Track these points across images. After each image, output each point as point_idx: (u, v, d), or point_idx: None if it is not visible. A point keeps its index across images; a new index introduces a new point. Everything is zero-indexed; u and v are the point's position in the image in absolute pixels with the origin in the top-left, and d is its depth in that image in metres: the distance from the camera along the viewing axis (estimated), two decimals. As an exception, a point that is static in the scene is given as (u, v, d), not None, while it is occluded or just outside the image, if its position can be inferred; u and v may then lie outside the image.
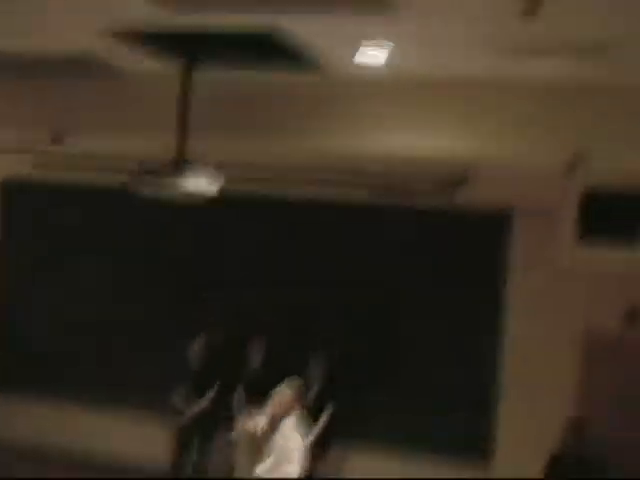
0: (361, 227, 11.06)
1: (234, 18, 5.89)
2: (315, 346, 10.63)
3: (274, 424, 7.79)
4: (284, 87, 7.58)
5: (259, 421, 9.92)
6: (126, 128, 8.22)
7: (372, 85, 7.30)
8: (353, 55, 6.64)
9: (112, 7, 5.89)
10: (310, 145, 7.78)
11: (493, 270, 10.54)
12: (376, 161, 8.61)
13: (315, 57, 6.80)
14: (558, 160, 7.18)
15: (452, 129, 7.21)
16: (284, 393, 7.80)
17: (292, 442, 7.63)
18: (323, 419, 10.32)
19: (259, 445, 9.37)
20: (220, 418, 10.64)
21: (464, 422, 10.50)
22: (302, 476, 7.63)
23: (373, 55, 6.58)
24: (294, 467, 7.53)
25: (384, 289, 11.04)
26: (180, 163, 6.94)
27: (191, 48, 6.90)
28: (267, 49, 6.58)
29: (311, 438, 10.22)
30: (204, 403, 10.67)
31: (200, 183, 6.74)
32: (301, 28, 6.00)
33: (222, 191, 7.13)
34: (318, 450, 10.35)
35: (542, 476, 9.19)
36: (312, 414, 10.29)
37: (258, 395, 10.36)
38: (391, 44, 6.27)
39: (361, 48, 6.46)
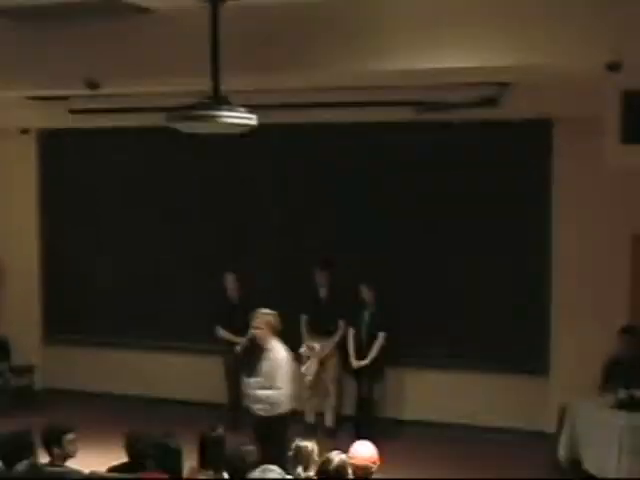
0: (407, 145, 11.05)
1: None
2: (366, 275, 10.77)
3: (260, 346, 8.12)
4: (320, 11, 7.59)
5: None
6: (159, 69, 8.24)
7: (409, 4, 7.33)
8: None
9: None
10: (354, 68, 7.80)
11: (539, 180, 10.56)
12: (418, 78, 8.65)
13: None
14: (596, 64, 7.16)
15: (490, 42, 7.20)
16: (266, 314, 8.10)
17: (280, 363, 7.96)
18: (377, 344, 10.55)
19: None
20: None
21: (521, 336, 10.69)
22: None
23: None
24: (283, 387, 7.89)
25: (432, 206, 11.09)
26: (216, 98, 7.05)
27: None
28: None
29: (367, 362, 10.61)
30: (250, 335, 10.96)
31: (238, 115, 6.84)
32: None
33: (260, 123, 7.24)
34: (375, 373, 10.72)
35: (599, 382, 9.46)
36: (367, 340, 10.65)
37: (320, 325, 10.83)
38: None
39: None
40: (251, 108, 7.03)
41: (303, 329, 10.90)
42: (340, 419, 10.86)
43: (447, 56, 7.25)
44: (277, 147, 11.43)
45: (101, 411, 11.43)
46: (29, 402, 11.81)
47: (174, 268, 12.11)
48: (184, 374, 11.83)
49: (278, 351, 8.04)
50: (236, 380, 10.72)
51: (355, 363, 10.66)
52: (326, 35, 7.55)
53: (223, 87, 7.08)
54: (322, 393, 10.94)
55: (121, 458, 6.69)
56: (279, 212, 11.65)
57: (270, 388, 7.97)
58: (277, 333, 8.14)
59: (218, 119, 6.77)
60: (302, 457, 6.14)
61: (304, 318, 10.91)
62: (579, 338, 10.10)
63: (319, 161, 11.48)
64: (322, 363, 10.79)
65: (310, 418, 10.96)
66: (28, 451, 6.09)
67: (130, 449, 6.54)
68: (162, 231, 12.23)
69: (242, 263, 11.40)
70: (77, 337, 12.67)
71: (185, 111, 6.96)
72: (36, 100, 11.39)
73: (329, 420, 10.89)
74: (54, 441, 6.31)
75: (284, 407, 8.07)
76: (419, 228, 11.16)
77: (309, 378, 10.72)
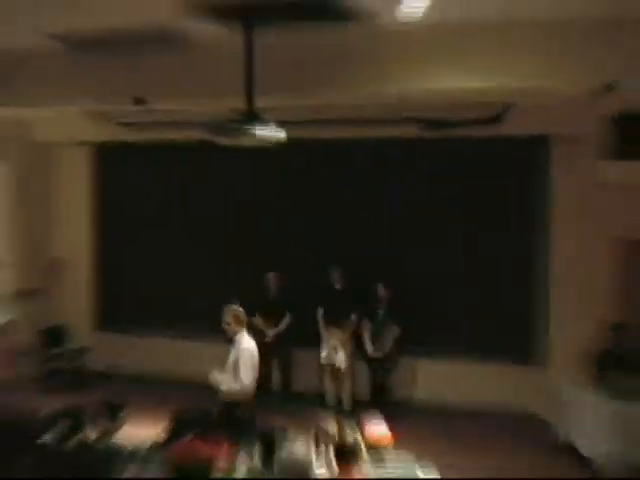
0: (416, 159, 11.07)
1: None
2: (380, 274, 10.76)
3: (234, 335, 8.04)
4: (336, 46, 7.61)
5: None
6: (197, 91, 8.33)
7: (417, 33, 7.31)
8: (397, 10, 6.68)
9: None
10: (365, 91, 7.82)
11: (538, 190, 10.53)
12: (428, 100, 8.68)
13: (364, 12, 6.87)
14: (588, 89, 7.15)
15: (491, 68, 7.21)
16: (234, 310, 8.04)
17: (242, 353, 7.89)
18: (390, 337, 10.55)
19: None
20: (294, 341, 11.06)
21: (522, 330, 10.72)
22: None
23: (415, 7, 6.63)
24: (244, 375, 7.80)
25: (438, 216, 11.09)
26: (250, 115, 7.07)
27: (252, 14, 6.98)
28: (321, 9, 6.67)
29: (382, 354, 10.58)
30: (282, 327, 11.01)
31: (269, 130, 6.88)
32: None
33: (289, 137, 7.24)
34: (389, 362, 10.67)
35: (592, 373, 9.38)
36: (382, 331, 10.60)
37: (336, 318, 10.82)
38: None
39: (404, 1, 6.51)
40: (280, 124, 7.04)
41: (320, 320, 10.88)
42: (356, 402, 10.80)
43: (454, 78, 7.26)
44: (293, 159, 11.25)
45: (145, 390, 11.40)
46: (82, 382, 11.83)
47: (213, 265, 12.11)
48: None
49: (242, 342, 7.99)
50: (265, 365, 10.73)
51: (371, 353, 10.64)
52: (348, 60, 7.56)
53: (256, 105, 7.09)
54: (339, 379, 10.92)
55: (163, 432, 6.66)
56: (305, 220, 11.68)
57: (234, 375, 7.93)
58: (244, 326, 8.09)
59: (252, 133, 6.80)
60: (323, 436, 6.10)
61: (320, 311, 10.89)
62: (570, 330, 10.04)
63: (333, 173, 11.54)
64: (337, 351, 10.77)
65: (330, 401, 10.93)
66: (80, 425, 6.06)
67: (173, 422, 6.58)
68: (208, 232, 12.25)
69: (277, 264, 11.39)
70: (124, 324, 12.70)
71: (224, 126, 6.98)
72: (91, 116, 11.46)
73: (346, 403, 10.86)
74: (106, 416, 6.30)
75: (245, 392, 8.01)
76: (428, 234, 11.15)
77: (339, 365, 10.74)
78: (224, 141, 7.25)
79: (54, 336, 12.55)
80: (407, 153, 11.04)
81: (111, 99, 8.93)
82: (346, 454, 5.44)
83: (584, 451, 8.78)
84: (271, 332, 10.96)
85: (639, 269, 9.67)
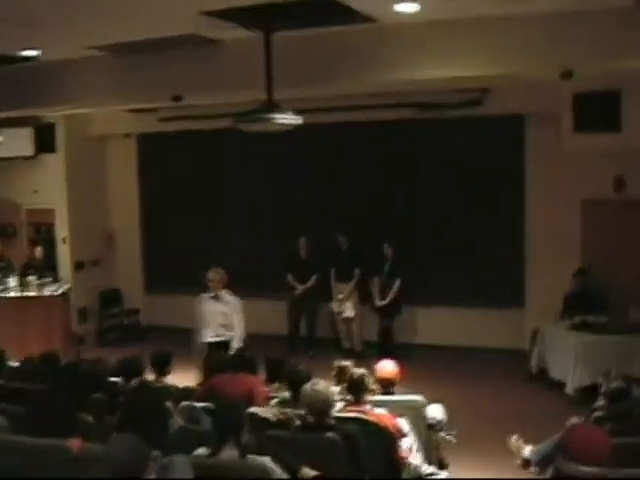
0: (412, 137, 11.09)
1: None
2: (386, 235, 10.80)
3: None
4: (342, 40, 7.64)
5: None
6: (224, 86, 8.37)
7: (410, 29, 7.33)
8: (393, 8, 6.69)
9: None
10: (368, 80, 7.86)
11: (516, 161, 10.58)
12: (419, 86, 8.77)
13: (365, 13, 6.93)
14: (554, 73, 7.19)
15: (473, 57, 7.23)
16: (218, 272, 8.62)
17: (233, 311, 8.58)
18: (395, 287, 10.61)
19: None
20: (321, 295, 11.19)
21: (503, 279, 10.81)
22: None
23: (408, 6, 6.67)
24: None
25: (432, 185, 11.17)
26: (271, 105, 7.13)
27: (270, 17, 7.03)
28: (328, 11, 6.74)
29: (387, 302, 10.68)
30: (309, 284, 11.16)
31: (288, 116, 6.95)
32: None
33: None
34: (394, 309, 10.78)
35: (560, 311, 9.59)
36: (387, 284, 10.71)
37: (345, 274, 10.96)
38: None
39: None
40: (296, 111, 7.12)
41: (332, 277, 11.07)
42: (367, 344, 10.93)
43: (442, 68, 7.30)
44: (308, 140, 10.87)
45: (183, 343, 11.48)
46: (136, 336, 12.02)
47: (253, 232, 12.13)
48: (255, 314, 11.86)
49: (225, 296, 8.67)
50: (295, 315, 11.34)
51: (378, 303, 10.75)
52: (351, 55, 7.59)
53: (275, 96, 7.16)
54: (349, 325, 11.11)
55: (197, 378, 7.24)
56: (322, 192, 11.68)
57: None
58: (224, 284, 8.69)
59: (273, 120, 6.88)
60: (343, 374, 6.09)
61: (332, 270, 11.04)
62: (546, 279, 10.15)
63: (344, 152, 11.58)
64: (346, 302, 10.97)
65: (345, 344, 11.10)
66: (139, 371, 6.20)
67: (208, 365, 6.81)
68: (239, 207, 12.32)
69: (305, 230, 11.37)
70: (169, 286, 12.76)
71: (248, 115, 7.06)
72: (134, 112, 11.67)
73: (357, 345, 11.00)
74: (159, 364, 6.44)
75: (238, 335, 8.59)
76: (427, 201, 11.24)
77: (347, 315, 10.93)
78: (249, 128, 7.33)
79: (111, 298, 12.78)
80: (404, 131, 11.08)
81: (151, 97, 9.03)
82: (359, 388, 5.48)
83: (554, 375, 9.06)
84: (301, 288, 11.12)
85: (602, 224, 9.73)
